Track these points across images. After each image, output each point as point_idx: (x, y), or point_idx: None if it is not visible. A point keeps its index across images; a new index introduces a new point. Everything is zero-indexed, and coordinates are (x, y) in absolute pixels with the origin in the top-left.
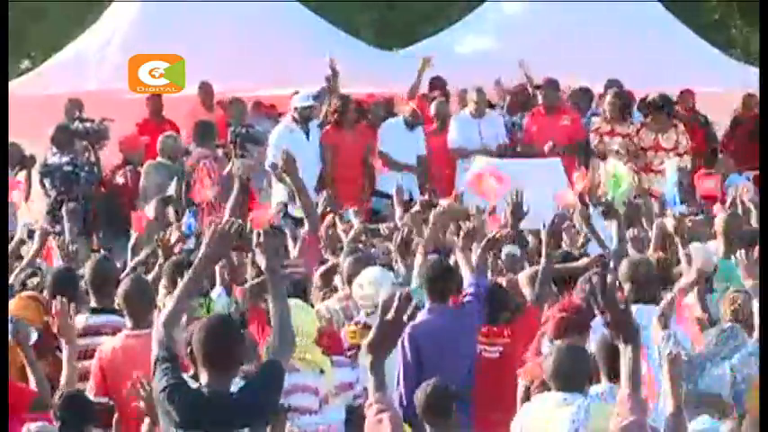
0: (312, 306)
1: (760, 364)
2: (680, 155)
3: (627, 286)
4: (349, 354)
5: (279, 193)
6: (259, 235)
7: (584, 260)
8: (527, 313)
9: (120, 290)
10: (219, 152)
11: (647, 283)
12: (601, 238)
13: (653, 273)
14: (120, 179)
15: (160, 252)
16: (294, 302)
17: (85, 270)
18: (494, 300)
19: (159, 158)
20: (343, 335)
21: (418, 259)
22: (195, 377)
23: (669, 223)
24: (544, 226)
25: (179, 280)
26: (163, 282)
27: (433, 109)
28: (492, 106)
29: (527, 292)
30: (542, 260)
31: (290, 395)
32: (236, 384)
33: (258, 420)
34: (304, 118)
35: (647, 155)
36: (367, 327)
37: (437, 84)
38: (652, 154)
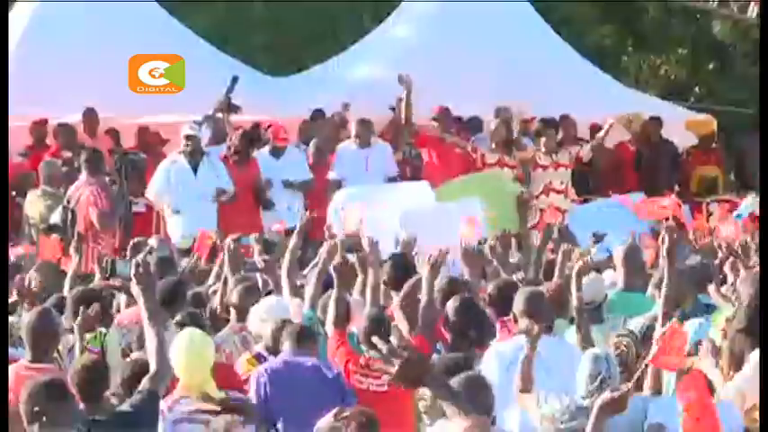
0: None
1: (760, 364)
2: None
3: (523, 320)
4: (246, 386)
5: (172, 226)
6: (138, 266)
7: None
8: (415, 342)
9: (26, 321)
10: (106, 179)
11: (543, 315)
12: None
13: (547, 304)
14: None
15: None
16: (193, 331)
17: None
18: (376, 331)
19: (42, 186)
20: (239, 365)
21: (308, 290)
22: None
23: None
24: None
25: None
26: (68, 315)
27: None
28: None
29: (403, 326)
30: (424, 289)
31: (179, 424)
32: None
33: None
34: (193, 149)
35: (545, 173)
36: (259, 358)
37: (318, 116)
38: (552, 171)
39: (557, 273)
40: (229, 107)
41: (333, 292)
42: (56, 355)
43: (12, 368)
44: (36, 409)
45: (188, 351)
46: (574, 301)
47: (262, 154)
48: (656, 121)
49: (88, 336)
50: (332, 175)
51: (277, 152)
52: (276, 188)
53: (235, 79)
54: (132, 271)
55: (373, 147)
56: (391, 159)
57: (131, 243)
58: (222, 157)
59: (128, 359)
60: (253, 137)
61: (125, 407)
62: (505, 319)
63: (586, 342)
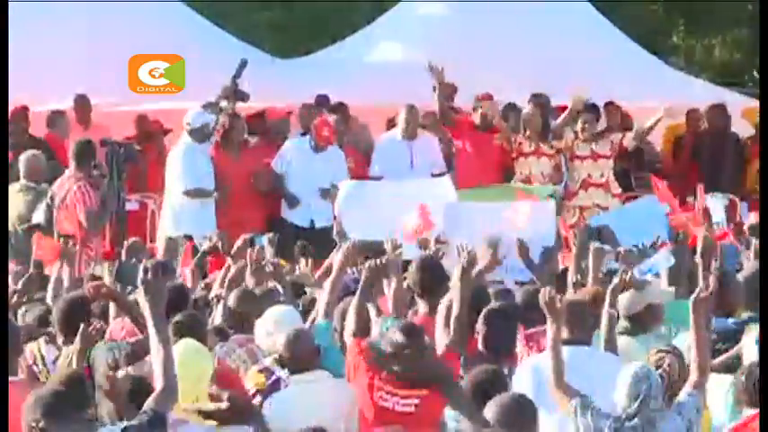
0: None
1: (760, 361)
2: (620, 155)
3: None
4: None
5: (168, 225)
6: (146, 271)
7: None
8: (446, 358)
9: None
10: (95, 173)
11: (581, 325)
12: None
13: (587, 313)
14: None
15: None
16: (189, 343)
17: None
18: (407, 344)
19: (23, 180)
20: (247, 379)
21: (323, 297)
22: None
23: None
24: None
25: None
26: (55, 324)
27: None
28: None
29: (441, 332)
30: (456, 299)
31: None
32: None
33: None
34: (201, 136)
35: (583, 165)
36: (266, 371)
37: (322, 102)
38: (590, 163)
39: (590, 277)
40: (236, 94)
41: (354, 298)
42: (37, 368)
43: None
44: (33, 424)
45: (180, 364)
46: (604, 319)
47: (300, 144)
48: (720, 109)
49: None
50: (373, 171)
51: (318, 147)
52: (307, 184)
53: (243, 63)
54: (140, 276)
55: (419, 139)
56: (438, 154)
57: (126, 245)
58: (214, 146)
59: (119, 373)
60: (240, 124)
61: (134, 422)
62: (532, 331)
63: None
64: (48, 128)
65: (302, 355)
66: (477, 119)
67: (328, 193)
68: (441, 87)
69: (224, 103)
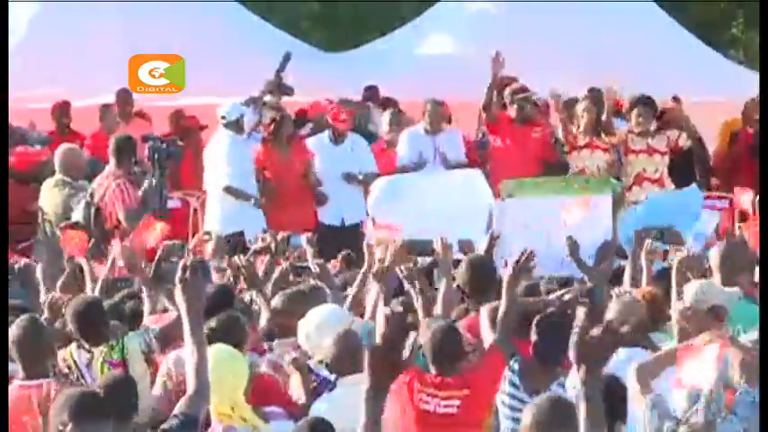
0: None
1: (760, 363)
2: (674, 153)
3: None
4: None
5: (214, 220)
6: (185, 270)
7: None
8: (489, 357)
9: (12, 334)
10: (136, 170)
11: (638, 328)
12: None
13: (644, 315)
14: None
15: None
16: (222, 348)
17: None
18: (445, 345)
19: (59, 175)
20: (292, 384)
21: (372, 296)
22: None
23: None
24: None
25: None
26: (71, 327)
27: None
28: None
29: (487, 329)
30: (504, 295)
31: None
32: None
33: None
34: (237, 129)
35: (638, 159)
36: (311, 373)
37: (371, 93)
38: (645, 158)
39: (644, 278)
40: (280, 88)
41: (381, 304)
42: (67, 370)
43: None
44: (60, 427)
45: (213, 370)
46: (673, 304)
47: (320, 140)
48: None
49: (104, 348)
50: (398, 162)
51: (337, 138)
52: (333, 180)
53: (287, 56)
54: (178, 275)
55: (443, 133)
56: (460, 146)
57: (162, 247)
58: (261, 142)
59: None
60: (287, 120)
61: (166, 426)
62: None
63: None
64: (100, 122)
65: (350, 356)
66: (513, 113)
67: (354, 178)
68: (494, 79)
69: (268, 98)
